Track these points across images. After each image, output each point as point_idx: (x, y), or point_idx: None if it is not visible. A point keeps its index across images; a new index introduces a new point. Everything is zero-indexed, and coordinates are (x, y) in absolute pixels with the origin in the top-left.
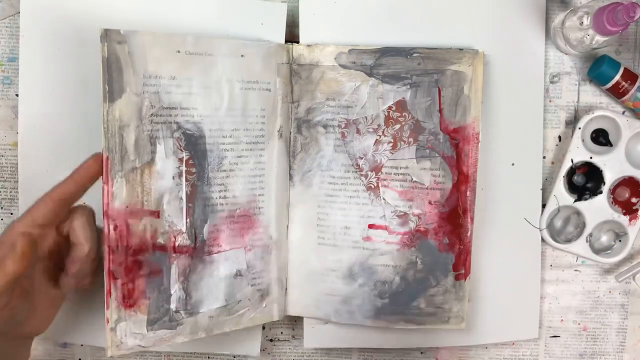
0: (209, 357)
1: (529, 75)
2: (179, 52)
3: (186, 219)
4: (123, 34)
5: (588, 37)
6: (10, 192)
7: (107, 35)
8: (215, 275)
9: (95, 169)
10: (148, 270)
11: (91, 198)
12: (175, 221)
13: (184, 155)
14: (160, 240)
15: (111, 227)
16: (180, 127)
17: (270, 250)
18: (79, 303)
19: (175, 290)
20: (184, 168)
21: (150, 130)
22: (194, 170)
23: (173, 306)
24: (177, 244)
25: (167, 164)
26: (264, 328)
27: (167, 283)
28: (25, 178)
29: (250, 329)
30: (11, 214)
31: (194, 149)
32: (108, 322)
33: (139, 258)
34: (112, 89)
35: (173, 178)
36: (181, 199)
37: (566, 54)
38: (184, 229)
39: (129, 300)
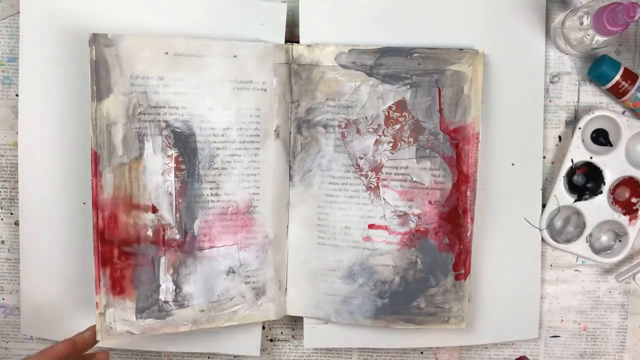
0: (209, 357)
1: (529, 75)
2: (167, 53)
3: (176, 214)
4: (110, 38)
5: (588, 37)
6: (11, 192)
7: (95, 39)
8: (206, 270)
9: (92, 340)
10: (136, 261)
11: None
12: (165, 215)
13: (173, 152)
14: (150, 233)
15: (99, 217)
16: (169, 125)
17: (266, 249)
18: (77, 307)
19: (165, 282)
20: (173, 165)
21: (138, 128)
22: (183, 167)
23: (162, 297)
24: (166, 237)
25: (155, 160)
26: (263, 328)
27: (156, 274)
28: (25, 178)
29: (250, 329)
30: (11, 213)
31: (184, 146)
32: (97, 307)
33: (127, 248)
34: (100, 89)
35: (162, 174)
36: (170, 194)
37: (566, 54)
38: (173, 224)
39: (117, 288)
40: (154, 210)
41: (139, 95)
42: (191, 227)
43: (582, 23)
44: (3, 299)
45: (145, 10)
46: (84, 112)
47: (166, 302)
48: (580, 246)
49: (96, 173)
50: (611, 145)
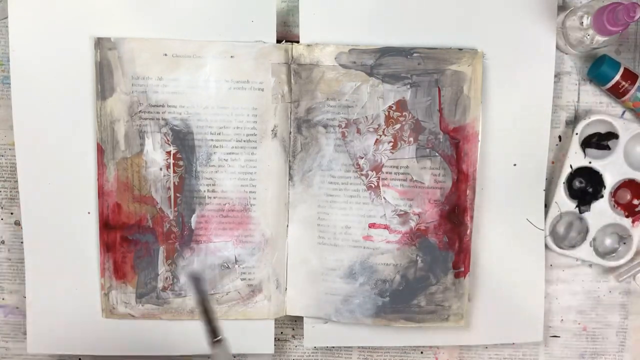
0: (209, 357)
1: (536, 75)
2: (165, 55)
3: (174, 207)
4: (113, 41)
5: (588, 37)
6: (11, 192)
7: (99, 42)
8: (203, 263)
9: None
10: (137, 248)
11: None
12: (164, 208)
13: (172, 149)
14: (150, 224)
15: (104, 206)
16: (167, 123)
17: (263, 247)
18: (74, 314)
19: (163, 271)
20: (171, 161)
21: (139, 125)
22: (181, 163)
23: (160, 285)
24: (165, 229)
25: (155, 156)
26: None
27: (155, 263)
28: (24, 177)
29: (262, 326)
30: (11, 213)
31: (182, 143)
32: (103, 288)
33: (128, 236)
34: (104, 89)
35: (161, 169)
36: (169, 188)
37: (566, 53)
38: (171, 217)
39: (119, 272)
40: (154, 202)
41: (140, 94)
42: (188, 221)
43: (582, 23)
44: (3, 299)
45: (135, 8)
46: (83, 111)
47: (164, 290)
48: (584, 251)
49: (101, 165)
50: (609, 149)
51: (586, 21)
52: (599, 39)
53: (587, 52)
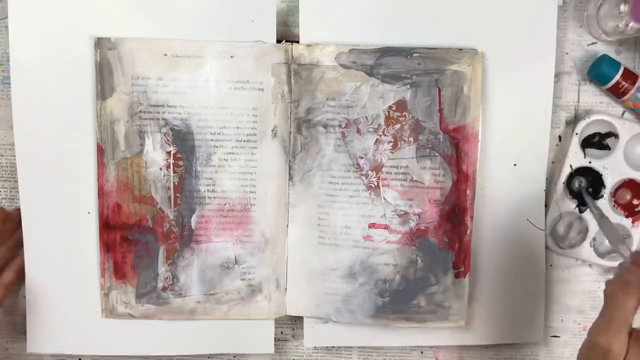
0: (209, 357)
1: (536, 75)
2: (165, 55)
3: (174, 207)
4: (113, 41)
5: (623, 24)
6: (11, 192)
7: (99, 42)
8: (203, 263)
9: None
10: (137, 248)
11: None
12: (164, 208)
13: (172, 149)
14: (150, 224)
15: (104, 206)
16: (167, 123)
17: (263, 247)
18: (74, 314)
19: (163, 271)
20: (171, 161)
21: (139, 125)
22: (181, 163)
23: (160, 285)
24: (165, 228)
25: (155, 156)
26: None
27: (155, 263)
28: (24, 177)
29: (262, 326)
30: None
31: (182, 143)
32: (103, 288)
33: (128, 236)
34: (104, 89)
35: (161, 169)
36: (169, 188)
37: (599, 40)
38: (171, 217)
39: (119, 273)
40: (154, 202)
41: (140, 94)
42: (188, 221)
43: (619, 11)
44: None
45: (135, 8)
46: (83, 111)
47: (164, 290)
48: (585, 251)
49: (101, 166)
50: (609, 149)
51: (623, 8)
52: (635, 26)
53: (622, 39)
